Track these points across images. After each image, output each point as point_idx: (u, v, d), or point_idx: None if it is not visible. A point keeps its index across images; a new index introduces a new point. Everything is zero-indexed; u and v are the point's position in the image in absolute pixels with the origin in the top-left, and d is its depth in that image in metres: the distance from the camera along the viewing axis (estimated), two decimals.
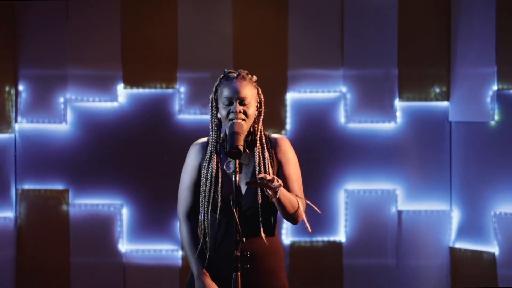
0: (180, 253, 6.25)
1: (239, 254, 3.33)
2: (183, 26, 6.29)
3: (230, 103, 3.48)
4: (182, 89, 6.30)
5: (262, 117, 3.57)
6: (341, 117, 6.31)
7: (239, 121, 3.44)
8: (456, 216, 6.26)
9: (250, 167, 3.54)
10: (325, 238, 6.31)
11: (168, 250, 6.30)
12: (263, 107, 3.57)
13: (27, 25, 6.27)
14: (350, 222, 6.30)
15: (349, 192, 6.30)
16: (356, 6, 6.28)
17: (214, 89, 3.57)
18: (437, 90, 6.28)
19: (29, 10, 6.26)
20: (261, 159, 3.53)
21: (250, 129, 3.54)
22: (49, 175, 6.31)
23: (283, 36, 6.31)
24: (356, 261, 6.30)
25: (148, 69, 6.32)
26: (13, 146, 6.30)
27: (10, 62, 6.28)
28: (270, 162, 3.55)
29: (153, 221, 6.32)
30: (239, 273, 3.34)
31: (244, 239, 3.34)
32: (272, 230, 3.59)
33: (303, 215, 3.55)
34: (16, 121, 6.29)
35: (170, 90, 6.32)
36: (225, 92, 3.49)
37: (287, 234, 6.29)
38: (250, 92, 3.50)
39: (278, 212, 3.55)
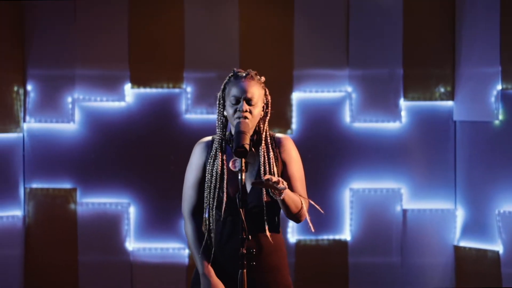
0: (186, 251, 6.27)
1: (245, 251, 3.35)
2: (189, 26, 6.31)
3: (237, 101, 3.50)
4: (188, 89, 6.32)
5: (268, 117, 3.59)
6: (347, 117, 6.33)
7: (245, 120, 3.46)
8: (460, 215, 6.27)
9: (255, 166, 3.57)
10: (331, 237, 6.33)
11: (175, 249, 6.32)
12: (269, 108, 3.59)
13: (35, 26, 6.29)
14: (355, 220, 6.32)
15: (354, 191, 6.32)
16: (361, 7, 6.29)
17: (222, 87, 3.59)
18: (442, 89, 6.29)
19: (38, 11, 6.27)
20: (266, 158, 3.56)
21: (255, 128, 3.57)
22: (57, 174, 6.33)
23: (289, 36, 6.32)
24: (361, 259, 6.31)
25: (155, 69, 6.33)
26: (22, 146, 6.32)
27: (19, 62, 6.30)
28: (275, 161, 3.58)
29: (160, 220, 6.34)
30: (245, 270, 3.36)
31: (250, 236, 3.37)
32: (277, 228, 3.62)
33: (306, 215, 3.57)
34: (24, 121, 6.32)
35: (177, 90, 6.34)
36: (233, 91, 3.52)
37: (292, 233, 6.31)
38: (257, 92, 3.53)
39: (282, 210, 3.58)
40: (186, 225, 3.65)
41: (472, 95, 6.16)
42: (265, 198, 3.53)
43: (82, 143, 6.33)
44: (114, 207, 6.33)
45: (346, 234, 6.33)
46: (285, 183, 3.35)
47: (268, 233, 3.57)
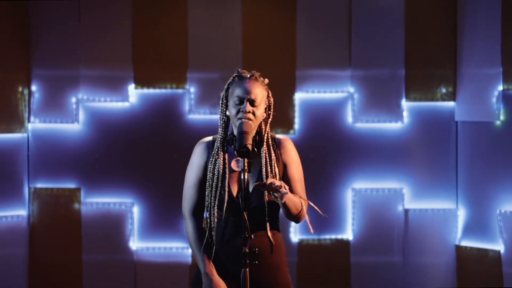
0: (190, 250, 6.27)
1: (247, 250, 3.37)
2: (193, 27, 6.32)
3: (241, 102, 3.52)
4: (192, 90, 6.34)
5: (270, 119, 3.61)
6: (349, 117, 6.35)
7: (247, 120, 3.48)
8: (462, 215, 6.28)
9: (257, 167, 3.58)
10: (333, 236, 6.35)
11: (178, 248, 6.34)
12: (271, 110, 3.61)
13: (40, 26, 6.30)
14: (357, 220, 6.33)
15: (357, 191, 6.34)
16: (364, 8, 6.30)
17: (226, 87, 3.61)
18: (443, 90, 6.30)
19: (42, 12, 6.29)
20: (268, 160, 3.58)
21: (257, 129, 3.58)
22: (61, 174, 6.35)
23: (292, 37, 6.33)
24: (363, 259, 6.33)
25: (159, 70, 6.35)
26: (26, 146, 6.33)
27: (23, 63, 6.31)
28: (276, 163, 3.60)
29: (163, 219, 6.36)
30: (247, 269, 3.37)
31: (252, 236, 3.39)
32: (277, 226, 3.64)
33: (305, 215, 3.60)
34: (29, 121, 6.33)
35: (180, 91, 6.36)
36: (237, 91, 3.53)
37: (295, 232, 6.33)
38: (261, 94, 3.54)
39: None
40: (186, 224, 3.66)
41: (473, 96, 6.17)
42: (266, 197, 3.54)
43: (86, 143, 6.35)
44: (118, 206, 6.35)
45: (348, 234, 6.35)
46: (287, 187, 3.38)
47: (269, 232, 3.59)
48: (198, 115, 6.33)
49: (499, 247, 6.01)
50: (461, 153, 6.25)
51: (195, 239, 3.62)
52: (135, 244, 6.36)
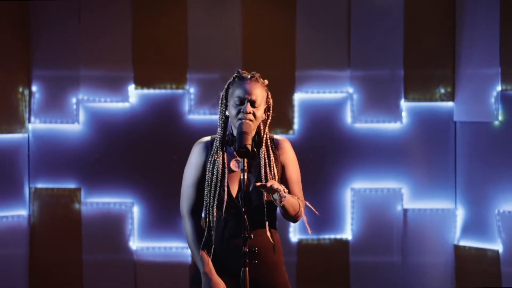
0: (189, 250, 6.28)
1: (247, 250, 3.38)
2: (193, 27, 6.33)
3: (241, 102, 3.54)
4: (192, 90, 6.35)
5: (269, 120, 3.63)
6: (348, 117, 6.36)
7: (247, 121, 3.50)
8: (460, 214, 6.29)
9: (256, 167, 3.60)
10: (332, 236, 6.35)
11: (178, 248, 6.35)
12: (271, 111, 3.63)
13: (40, 27, 6.30)
14: (356, 220, 6.34)
15: (356, 190, 6.35)
16: (363, 8, 6.30)
17: (226, 87, 3.62)
18: (442, 90, 6.31)
19: (42, 12, 6.29)
20: (267, 160, 3.60)
21: (256, 130, 3.59)
22: (62, 174, 6.36)
23: (291, 37, 6.34)
24: (362, 258, 6.33)
25: (159, 70, 6.35)
26: (27, 146, 6.34)
27: (24, 63, 6.32)
28: (275, 163, 3.61)
29: (163, 219, 6.36)
30: (247, 269, 3.39)
31: (252, 235, 3.40)
32: (275, 225, 3.66)
33: (302, 216, 3.62)
34: (29, 121, 6.34)
35: (180, 91, 6.36)
36: (238, 92, 3.55)
37: (294, 232, 6.33)
38: (261, 95, 3.56)
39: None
40: (185, 223, 3.67)
41: (472, 96, 6.17)
42: (265, 197, 3.56)
43: (86, 143, 6.36)
44: (118, 206, 6.36)
45: (347, 234, 6.36)
46: (286, 190, 3.41)
47: (268, 233, 3.60)
48: (198, 115, 6.35)
49: (497, 246, 6.02)
50: (460, 153, 6.26)
51: (194, 238, 3.62)
52: (135, 244, 6.37)
